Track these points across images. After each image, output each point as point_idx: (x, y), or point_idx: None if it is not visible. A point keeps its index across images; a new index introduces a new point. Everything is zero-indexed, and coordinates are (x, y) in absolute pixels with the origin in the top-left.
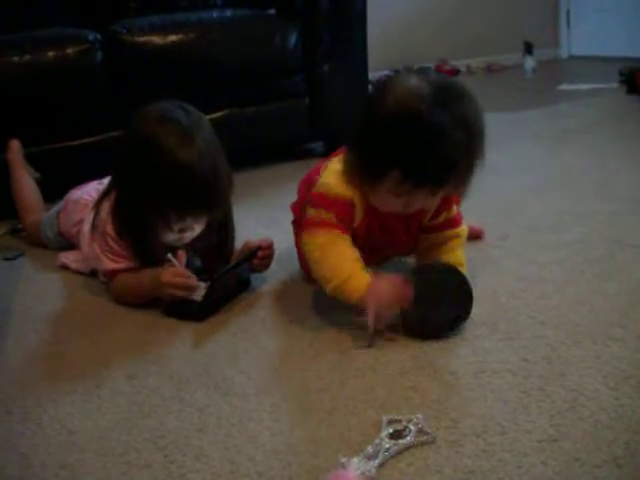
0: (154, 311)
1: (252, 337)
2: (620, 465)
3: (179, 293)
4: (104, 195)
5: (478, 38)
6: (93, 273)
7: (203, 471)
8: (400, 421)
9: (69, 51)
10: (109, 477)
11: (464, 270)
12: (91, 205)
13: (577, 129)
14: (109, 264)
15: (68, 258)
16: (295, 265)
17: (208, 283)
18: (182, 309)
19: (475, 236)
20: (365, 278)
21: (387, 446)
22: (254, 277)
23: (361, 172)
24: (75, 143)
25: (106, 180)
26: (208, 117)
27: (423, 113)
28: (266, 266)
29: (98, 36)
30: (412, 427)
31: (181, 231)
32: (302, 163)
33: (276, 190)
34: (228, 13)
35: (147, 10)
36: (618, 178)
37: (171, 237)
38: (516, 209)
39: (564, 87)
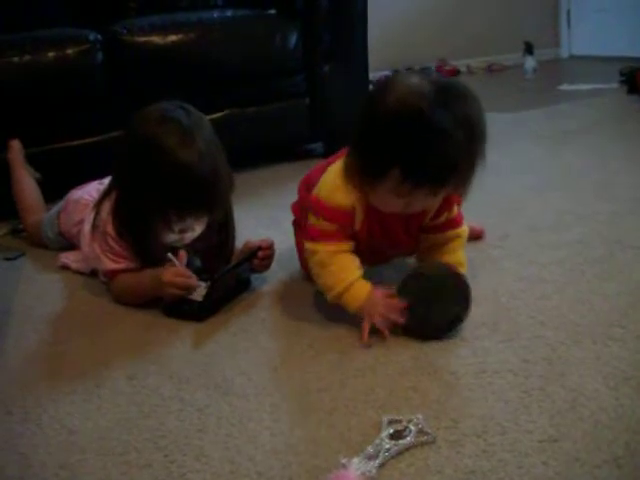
0: (154, 311)
1: (252, 337)
2: (620, 465)
3: (179, 293)
4: (104, 195)
5: (478, 38)
6: (93, 273)
7: (203, 471)
8: (400, 421)
9: (69, 51)
10: (109, 477)
11: (464, 270)
12: (92, 205)
13: (577, 129)
14: (109, 264)
15: (69, 258)
16: (295, 265)
17: (208, 283)
18: (182, 309)
19: (475, 236)
20: (365, 288)
21: (387, 446)
22: (254, 277)
23: (362, 172)
24: (75, 143)
25: (107, 180)
26: (208, 117)
27: (424, 112)
28: (266, 266)
29: (98, 36)
30: (412, 427)
31: (181, 231)
32: (302, 163)
33: (276, 190)
34: (228, 13)
35: (147, 10)
36: (618, 178)
37: (171, 237)
38: (516, 209)
39: (564, 87)
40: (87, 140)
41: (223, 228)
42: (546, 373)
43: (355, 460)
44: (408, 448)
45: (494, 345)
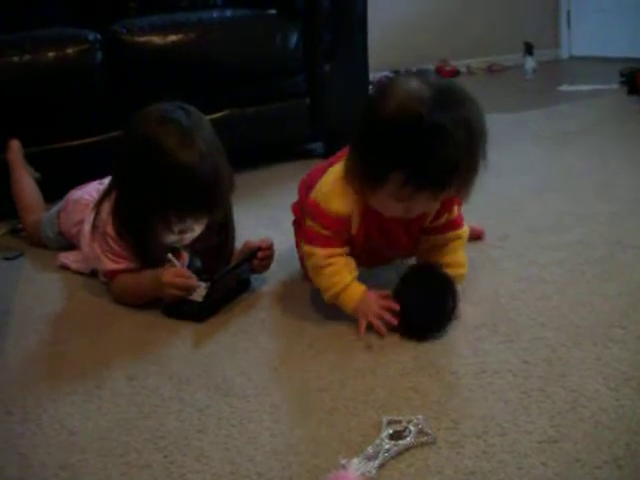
0: (154, 311)
1: (252, 337)
2: (620, 466)
3: (179, 293)
4: (104, 195)
5: (478, 39)
6: (93, 273)
7: (203, 472)
8: (400, 422)
9: (69, 51)
10: (109, 477)
11: (464, 271)
12: (91, 205)
13: (578, 130)
14: (109, 264)
15: (68, 258)
16: (295, 265)
17: (208, 284)
18: (182, 309)
19: (475, 237)
20: (360, 289)
21: (387, 447)
22: (254, 278)
23: (362, 176)
24: (75, 143)
25: (106, 180)
26: (208, 117)
27: (423, 116)
28: (266, 267)
29: (98, 36)
30: (412, 428)
31: (181, 232)
32: (302, 163)
33: (276, 190)
34: (228, 13)
35: (147, 10)
36: (619, 179)
37: (171, 238)
38: (516, 210)
39: (564, 88)
40: (87, 140)
41: (223, 229)
42: (546, 374)
43: (355, 460)
44: (408, 448)
45: (494, 346)
